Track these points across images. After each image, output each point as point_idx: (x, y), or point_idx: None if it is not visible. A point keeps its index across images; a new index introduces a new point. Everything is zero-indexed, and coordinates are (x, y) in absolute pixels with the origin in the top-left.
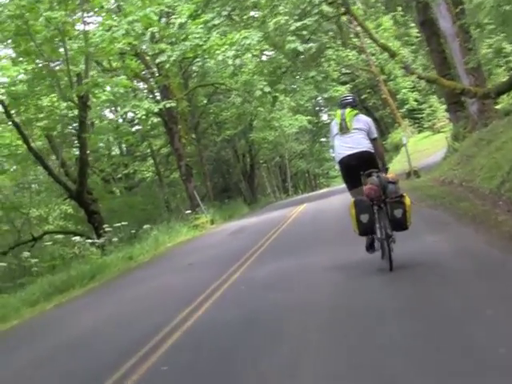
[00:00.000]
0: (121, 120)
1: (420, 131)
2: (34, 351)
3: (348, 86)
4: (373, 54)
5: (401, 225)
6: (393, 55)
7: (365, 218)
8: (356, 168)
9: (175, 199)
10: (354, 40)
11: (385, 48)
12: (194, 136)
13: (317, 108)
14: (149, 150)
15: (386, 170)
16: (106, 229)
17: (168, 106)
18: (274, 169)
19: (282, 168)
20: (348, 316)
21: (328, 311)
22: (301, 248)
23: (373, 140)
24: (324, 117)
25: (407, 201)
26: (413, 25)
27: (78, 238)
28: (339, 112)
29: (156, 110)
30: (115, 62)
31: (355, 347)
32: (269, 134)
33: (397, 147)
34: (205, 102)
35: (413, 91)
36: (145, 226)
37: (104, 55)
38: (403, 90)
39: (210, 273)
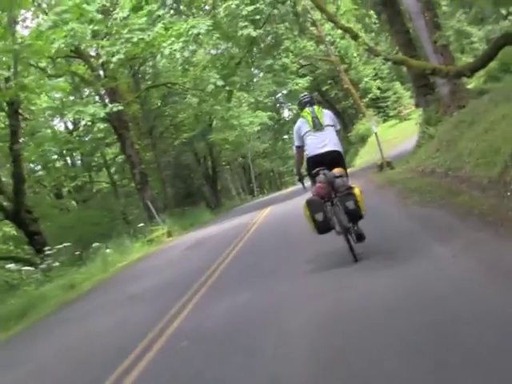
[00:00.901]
0: (62, 128)
1: (385, 120)
2: None
3: (308, 78)
4: (332, 43)
5: (355, 215)
6: (355, 37)
7: (320, 216)
8: (323, 164)
9: (134, 210)
10: (312, 29)
11: (346, 30)
12: (149, 141)
13: (277, 105)
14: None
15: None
16: (47, 251)
17: (115, 109)
18: (237, 170)
19: (246, 169)
20: None
21: None
22: (264, 270)
23: (337, 132)
24: (285, 113)
25: (357, 191)
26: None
27: (12, 266)
28: (308, 110)
29: (102, 114)
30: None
31: None
32: (229, 134)
33: (362, 138)
34: (159, 104)
35: (375, 79)
36: (94, 245)
37: (36, 55)
38: (365, 79)
39: (149, 313)
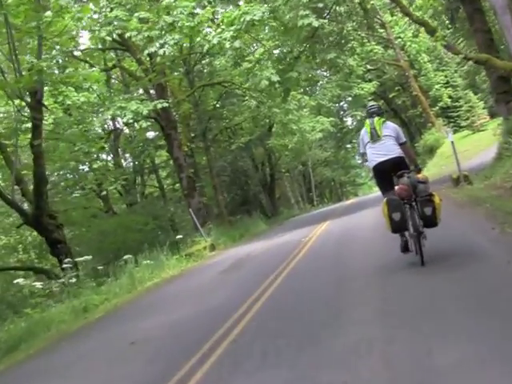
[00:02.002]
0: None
1: (456, 131)
2: None
3: (374, 83)
4: (401, 47)
5: (431, 222)
6: (432, 32)
7: (396, 216)
8: (388, 173)
9: (187, 216)
10: (381, 31)
11: (422, 23)
12: (202, 144)
13: (341, 112)
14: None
15: (419, 171)
16: (65, 265)
17: (159, 106)
18: (297, 178)
19: (306, 177)
20: None
21: None
22: (313, 325)
23: (402, 144)
24: (349, 121)
25: (436, 199)
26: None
27: (20, 281)
28: (368, 121)
29: (145, 111)
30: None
31: None
32: (289, 140)
33: (431, 150)
34: (214, 105)
35: (446, 87)
36: (125, 257)
37: (57, 35)
38: (436, 86)
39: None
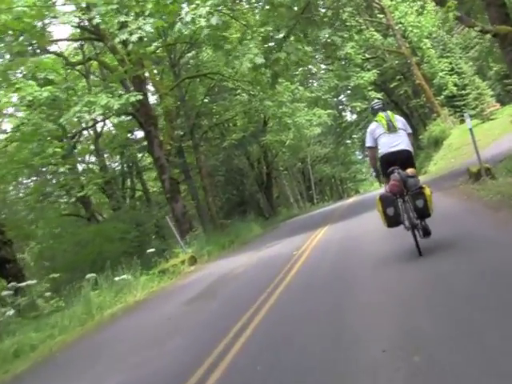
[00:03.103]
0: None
1: (462, 121)
2: None
3: (374, 71)
4: (403, 33)
5: (424, 213)
6: (442, 2)
7: (391, 211)
8: (394, 162)
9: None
10: (380, 16)
11: None
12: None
13: (340, 106)
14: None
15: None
16: (5, 292)
17: (133, 99)
18: (296, 175)
19: (306, 174)
20: None
21: None
22: None
23: (409, 135)
24: (348, 116)
25: (427, 191)
26: None
27: None
28: (382, 114)
29: (116, 106)
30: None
31: None
32: (285, 137)
33: (436, 142)
34: (202, 100)
35: (451, 74)
36: (88, 276)
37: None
38: (440, 74)
39: None
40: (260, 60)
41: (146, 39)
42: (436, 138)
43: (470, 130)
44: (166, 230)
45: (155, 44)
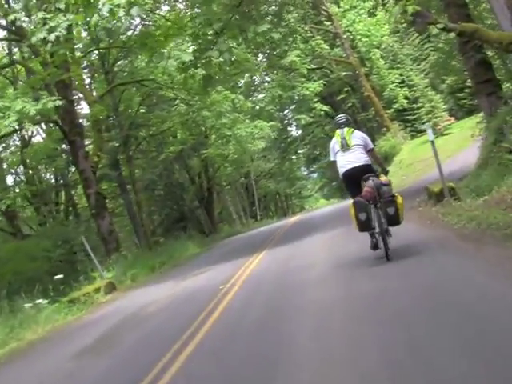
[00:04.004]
0: None
1: (413, 136)
2: None
3: (320, 82)
4: (351, 43)
5: (394, 220)
6: None
7: (363, 216)
8: (356, 179)
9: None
10: (327, 24)
11: None
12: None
13: (285, 121)
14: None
15: (386, 173)
16: None
17: (51, 105)
18: (240, 191)
19: (250, 190)
20: None
21: None
22: None
23: (369, 151)
24: (293, 131)
25: (399, 200)
26: None
27: None
28: (338, 132)
29: (32, 112)
30: None
31: None
32: (228, 150)
33: (386, 158)
34: (137, 109)
35: (402, 87)
36: None
37: None
38: (390, 86)
39: None
40: (187, 57)
41: (61, 38)
42: (386, 153)
43: (432, 142)
44: (98, 248)
45: (80, 47)
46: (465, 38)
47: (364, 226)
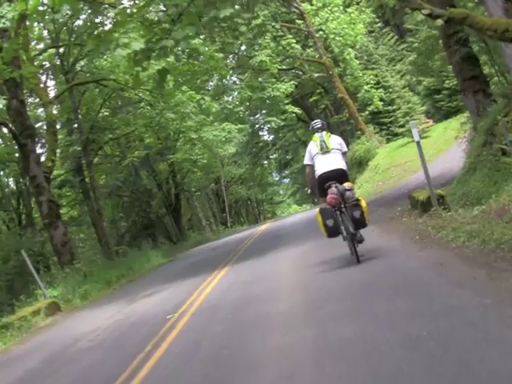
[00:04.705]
0: None
1: (389, 140)
2: None
3: (292, 83)
4: (324, 42)
5: (361, 223)
6: None
7: (330, 222)
8: (330, 181)
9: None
10: (299, 22)
11: None
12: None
13: (256, 126)
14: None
15: (346, 179)
16: None
17: None
18: (210, 197)
19: (221, 196)
20: None
21: None
22: None
23: (344, 154)
24: (265, 136)
25: (363, 203)
26: None
27: None
28: (317, 135)
29: None
30: None
31: None
32: (193, 154)
33: (360, 163)
34: (104, 113)
35: (377, 88)
36: None
37: None
38: (365, 87)
39: None
40: (137, 45)
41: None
42: (360, 158)
43: (418, 143)
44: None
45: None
46: (454, 26)
47: (332, 231)
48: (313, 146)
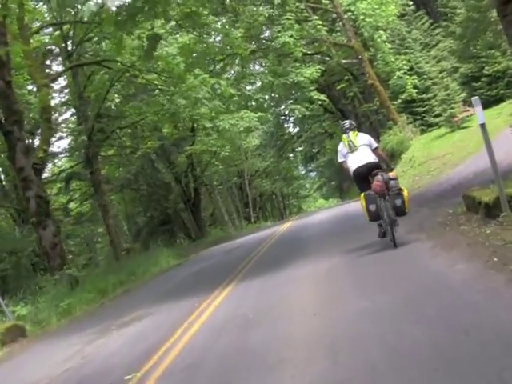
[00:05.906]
0: None
1: (423, 131)
2: None
3: (318, 67)
4: (353, 24)
5: (401, 211)
6: None
7: (373, 207)
8: (365, 176)
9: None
10: (326, 2)
11: None
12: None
13: (281, 117)
14: None
15: (391, 170)
16: None
17: None
18: (233, 191)
19: (244, 189)
20: None
21: None
22: None
23: (374, 150)
24: (290, 128)
25: (405, 192)
26: None
27: None
28: (345, 136)
29: None
30: None
31: None
32: (212, 145)
33: (392, 155)
34: (116, 100)
35: (410, 75)
36: None
37: None
38: (397, 73)
39: None
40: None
41: None
42: (392, 150)
43: (482, 125)
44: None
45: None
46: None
47: (374, 216)
48: (342, 147)
